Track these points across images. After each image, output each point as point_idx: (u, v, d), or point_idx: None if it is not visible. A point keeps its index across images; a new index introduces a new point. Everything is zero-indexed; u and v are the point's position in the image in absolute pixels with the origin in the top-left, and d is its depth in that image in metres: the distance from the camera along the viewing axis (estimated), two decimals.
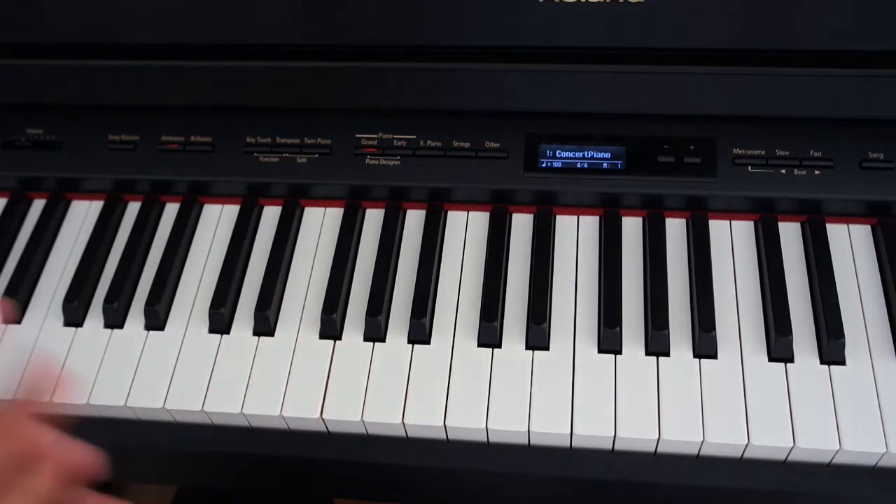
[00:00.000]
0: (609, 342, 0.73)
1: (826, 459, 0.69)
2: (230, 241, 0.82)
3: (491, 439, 0.72)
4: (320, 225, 0.84)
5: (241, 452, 0.75)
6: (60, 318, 0.80)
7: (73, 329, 0.79)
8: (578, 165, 0.80)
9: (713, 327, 0.72)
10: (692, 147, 0.79)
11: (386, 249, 0.80)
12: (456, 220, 0.82)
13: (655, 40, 0.75)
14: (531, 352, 0.74)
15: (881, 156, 0.77)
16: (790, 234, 0.79)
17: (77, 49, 0.82)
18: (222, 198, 0.86)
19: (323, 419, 0.72)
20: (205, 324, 0.78)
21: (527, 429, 0.70)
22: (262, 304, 0.77)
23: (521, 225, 0.82)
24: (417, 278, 0.78)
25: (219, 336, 0.77)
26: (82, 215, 0.87)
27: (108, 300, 0.79)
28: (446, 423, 0.71)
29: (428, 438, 0.73)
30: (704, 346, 0.72)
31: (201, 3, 0.79)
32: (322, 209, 0.85)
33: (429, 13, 0.76)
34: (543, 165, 0.80)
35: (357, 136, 0.83)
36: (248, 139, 0.84)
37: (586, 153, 0.80)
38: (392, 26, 0.78)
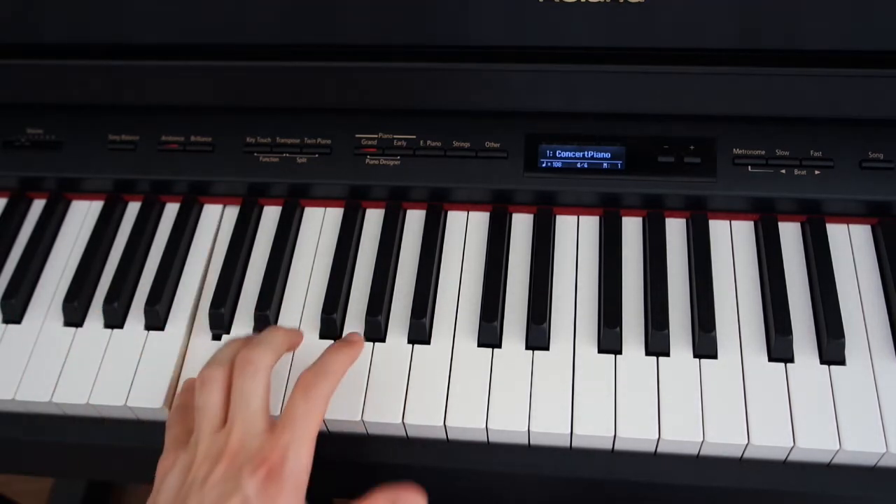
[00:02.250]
0: (609, 342, 0.73)
1: (826, 459, 0.69)
2: (230, 242, 0.82)
3: (491, 439, 0.72)
4: (320, 225, 0.84)
5: None
6: (60, 318, 0.80)
7: (73, 329, 0.79)
8: (578, 165, 0.80)
9: (713, 327, 0.72)
10: (692, 147, 0.79)
11: (386, 249, 0.80)
12: (456, 220, 0.82)
13: (655, 40, 0.75)
14: (531, 352, 0.74)
15: (881, 156, 0.77)
16: (790, 234, 0.79)
17: (77, 49, 0.82)
18: (222, 198, 0.86)
19: (323, 419, 0.72)
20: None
21: (527, 429, 0.70)
22: (262, 304, 0.77)
23: (521, 225, 0.82)
24: (417, 278, 0.78)
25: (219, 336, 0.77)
26: (82, 215, 0.87)
27: (108, 300, 0.79)
28: (446, 423, 0.71)
29: (428, 438, 0.73)
30: (704, 346, 0.72)
31: (201, 2, 0.79)
32: (322, 209, 0.85)
33: (428, 13, 0.76)
34: (543, 165, 0.80)
35: (357, 136, 0.83)
36: (248, 139, 0.84)
37: (586, 153, 0.80)
38: (392, 26, 0.77)
